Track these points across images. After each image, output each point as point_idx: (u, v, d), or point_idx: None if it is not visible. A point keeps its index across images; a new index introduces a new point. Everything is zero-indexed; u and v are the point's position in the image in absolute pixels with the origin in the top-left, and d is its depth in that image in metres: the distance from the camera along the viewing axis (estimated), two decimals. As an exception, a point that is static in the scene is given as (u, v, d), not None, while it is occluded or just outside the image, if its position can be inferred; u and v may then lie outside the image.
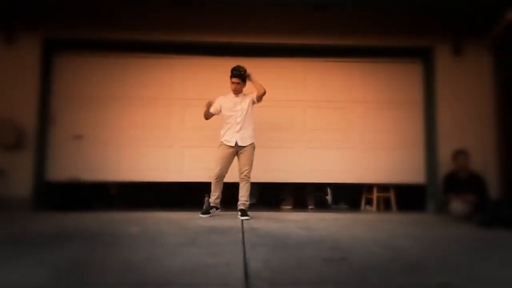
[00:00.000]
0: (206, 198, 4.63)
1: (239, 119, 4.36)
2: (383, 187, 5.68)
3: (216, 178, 4.34)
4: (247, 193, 4.36)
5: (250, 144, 4.39)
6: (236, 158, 4.42)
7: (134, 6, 5.25)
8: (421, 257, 2.43)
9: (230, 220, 4.03)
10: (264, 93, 4.33)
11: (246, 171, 4.34)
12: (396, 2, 4.98)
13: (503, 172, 5.23)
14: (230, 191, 4.55)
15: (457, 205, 4.46)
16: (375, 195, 5.66)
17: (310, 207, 5.88)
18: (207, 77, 5.52)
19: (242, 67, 4.37)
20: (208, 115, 4.48)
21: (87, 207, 5.48)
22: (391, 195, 5.66)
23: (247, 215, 4.20)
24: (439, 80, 5.48)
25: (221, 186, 4.39)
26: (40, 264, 2.11)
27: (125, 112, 5.52)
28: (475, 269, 2.14)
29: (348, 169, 5.55)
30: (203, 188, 4.90)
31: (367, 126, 5.63)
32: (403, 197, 5.67)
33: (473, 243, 3.01)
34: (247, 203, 4.36)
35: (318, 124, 5.60)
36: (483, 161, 5.19)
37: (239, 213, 4.25)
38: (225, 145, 4.35)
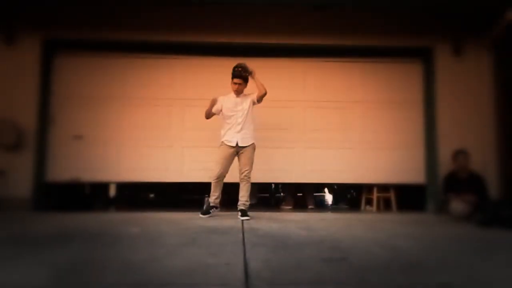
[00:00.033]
0: (206, 198, 4.63)
1: (240, 120, 4.35)
2: (383, 187, 5.68)
3: (217, 178, 4.33)
4: (248, 193, 4.36)
5: (250, 145, 4.38)
6: (236, 158, 4.42)
7: (134, 6, 5.25)
8: (421, 257, 2.43)
9: (230, 220, 4.03)
10: (265, 94, 4.33)
11: (247, 171, 4.34)
12: (396, 2, 4.98)
13: (503, 172, 5.23)
14: (230, 191, 4.55)
15: (457, 205, 4.46)
16: (375, 195, 5.66)
17: (310, 206, 5.89)
18: (207, 77, 5.52)
19: (245, 64, 4.33)
20: (209, 114, 4.46)
21: (87, 207, 5.49)
22: (391, 195, 5.66)
23: (247, 215, 4.19)
24: (439, 80, 5.48)
25: (221, 186, 4.38)
26: (40, 264, 2.11)
27: (125, 112, 5.52)
28: (475, 269, 2.14)
29: (348, 169, 5.55)
30: (203, 188, 4.91)
31: (367, 126, 5.63)
32: (403, 197, 5.68)
33: (473, 243, 3.01)
34: (247, 203, 4.35)
35: (318, 124, 5.60)
36: (483, 161, 5.19)
37: (239, 213, 4.25)
38: (226, 145, 4.34)
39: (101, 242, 2.86)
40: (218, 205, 4.42)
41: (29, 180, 5.12)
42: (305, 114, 5.64)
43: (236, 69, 4.34)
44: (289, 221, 4.11)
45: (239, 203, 4.35)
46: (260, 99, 4.37)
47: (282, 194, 6.07)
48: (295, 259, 2.28)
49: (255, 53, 5.46)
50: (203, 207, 4.47)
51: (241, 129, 4.34)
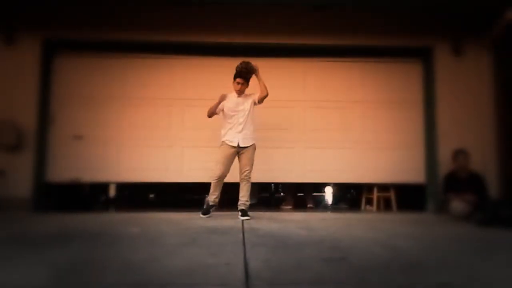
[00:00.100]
0: (206, 198, 4.63)
1: (241, 120, 4.34)
2: (383, 187, 5.68)
3: (218, 178, 4.32)
4: (248, 193, 4.36)
5: (251, 145, 4.38)
6: (236, 158, 4.42)
7: (134, 6, 5.25)
8: (421, 257, 2.43)
9: (231, 220, 4.03)
10: (267, 95, 4.32)
11: (247, 171, 4.34)
12: (396, 2, 4.98)
13: (503, 171, 5.23)
14: (230, 191, 4.55)
15: (457, 205, 4.46)
16: (375, 194, 5.67)
17: (309, 206, 5.89)
18: (207, 77, 5.52)
19: (249, 64, 4.30)
20: (215, 111, 4.41)
21: (87, 207, 5.49)
22: (391, 194, 5.66)
23: (247, 215, 4.19)
24: (439, 79, 5.48)
25: (221, 186, 4.38)
26: (40, 264, 2.11)
27: (125, 112, 5.52)
28: (475, 269, 2.14)
29: (348, 169, 5.55)
30: (203, 188, 4.91)
31: (367, 126, 5.63)
32: (403, 197, 5.68)
33: (473, 243, 3.01)
34: (248, 203, 4.35)
35: (318, 124, 5.61)
36: (483, 160, 5.19)
37: (240, 213, 4.25)
38: (227, 145, 4.32)
39: (101, 242, 2.86)
40: (216, 205, 4.42)
41: (29, 180, 5.12)
42: (305, 114, 5.64)
43: (240, 69, 4.31)
44: (289, 221, 4.11)
45: (239, 203, 4.34)
46: (261, 101, 4.37)
47: (282, 194, 6.07)
48: (295, 259, 2.28)
49: (255, 53, 5.44)
50: (203, 207, 4.46)
51: (242, 129, 4.33)
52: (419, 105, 5.66)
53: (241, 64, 4.34)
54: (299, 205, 5.92)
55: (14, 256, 2.32)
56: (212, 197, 4.36)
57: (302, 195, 6.10)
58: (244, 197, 4.34)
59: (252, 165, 4.37)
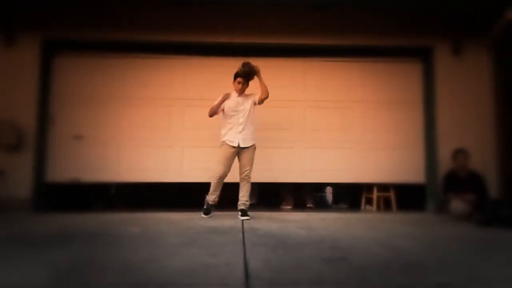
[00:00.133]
0: (206, 198, 4.62)
1: (241, 120, 4.33)
2: (383, 187, 5.68)
3: (219, 178, 4.31)
4: (248, 193, 4.36)
5: (251, 145, 4.38)
6: (236, 158, 4.41)
7: (134, 6, 5.25)
8: (421, 257, 2.43)
9: (231, 220, 4.04)
10: (267, 97, 4.32)
11: (247, 171, 4.34)
12: (396, 2, 4.98)
13: (503, 171, 5.23)
14: (229, 191, 4.55)
15: (457, 205, 4.46)
16: (375, 194, 5.67)
17: (308, 205, 5.89)
18: (207, 77, 5.53)
19: (251, 65, 4.28)
20: (217, 110, 4.38)
21: (87, 207, 5.48)
22: (391, 194, 5.66)
23: (247, 215, 4.19)
24: (439, 79, 5.48)
25: (221, 186, 4.38)
26: (40, 264, 2.11)
27: (125, 112, 5.52)
28: (475, 269, 2.14)
29: (348, 169, 5.55)
30: (203, 188, 4.89)
31: (367, 125, 5.63)
32: (403, 197, 5.68)
33: (473, 243, 3.01)
34: (248, 203, 4.35)
35: (318, 124, 5.61)
36: (483, 160, 5.19)
37: (240, 213, 4.25)
38: (227, 145, 4.32)
39: (101, 242, 2.86)
40: (216, 204, 4.42)
41: (29, 180, 5.12)
42: (305, 114, 5.64)
43: (242, 70, 4.28)
44: (289, 221, 4.11)
45: (239, 203, 4.34)
46: (261, 102, 4.37)
47: (282, 194, 6.07)
48: (295, 259, 2.28)
49: (255, 53, 5.44)
50: (203, 207, 4.46)
51: (243, 129, 4.32)
52: (419, 105, 5.66)
53: (243, 65, 4.32)
54: (299, 205, 5.92)
55: (14, 256, 2.33)
56: (212, 196, 4.36)
57: (302, 195, 6.10)
58: (244, 197, 4.34)
59: (252, 165, 4.37)
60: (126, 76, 5.55)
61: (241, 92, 4.39)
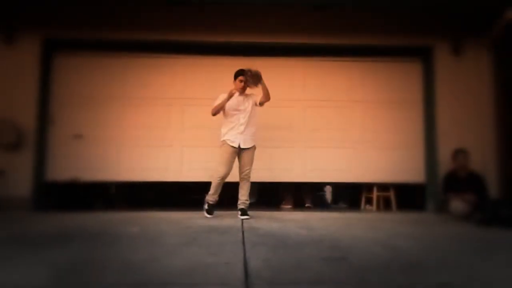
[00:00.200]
0: (206, 198, 4.61)
1: (242, 120, 4.31)
2: (383, 186, 5.68)
3: (221, 179, 4.29)
4: (247, 193, 4.36)
5: (252, 146, 4.37)
6: (236, 157, 4.40)
7: (134, 6, 5.25)
8: (421, 257, 2.43)
9: (230, 220, 4.04)
10: (268, 100, 4.31)
11: (247, 171, 4.34)
12: (396, 2, 4.98)
13: (503, 171, 5.23)
14: (229, 191, 4.55)
15: (457, 205, 4.46)
16: (375, 194, 5.67)
17: (307, 205, 5.89)
18: (206, 77, 5.53)
19: (257, 72, 4.20)
20: (220, 110, 4.34)
21: (87, 207, 5.48)
22: (391, 194, 5.66)
23: (247, 215, 4.20)
24: (439, 79, 5.48)
25: (222, 186, 4.36)
26: (40, 264, 2.11)
27: (125, 112, 5.52)
28: (475, 269, 2.14)
29: (348, 169, 5.55)
30: (203, 187, 4.89)
31: (367, 125, 5.64)
32: (403, 197, 5.68)
33: (473, 243, 3.01)
34: (247, 202, 4.35)
35: (318, 123, 5.61)
36: (483, 160, 5.19)
37: (239, 213, 4.25)
38: (228, 145, 4.30)
39: (101, 242, 2.86)
40: (216, 204, 4.42)
41: (29, 180, 5.12)
42: (305, 113, 5.64)
43: (249, 76, 4.20)
44: (289, 221, 4.11)
45: (239, 202, 4.34)
46: (262, 104, 4.36)
47: (282, 193, 6.07)
48: (295, 259, 2.28)
49: (255, 52, 5.47)
50: (203, 207, 4.45)
51: (244, 130, 4.30)
52: (419, 105, 5.66)
53: (250, 71, 4.21)
54: (299, 205, 5.92)
55: (14, 256, 2.32)
56: (213, 197, 4.35)
57: (302, 195, 6.10)
58: (244, 196, 4.34)
59: (252, 164, 4.37)
60: (126, 76, 5.55)
61: (242, 91, 4.37)
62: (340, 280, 1.88)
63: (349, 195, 6.52)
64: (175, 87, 5.59)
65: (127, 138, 5.48)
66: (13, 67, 5.24)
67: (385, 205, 5.73)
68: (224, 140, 4.33)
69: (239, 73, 4.32)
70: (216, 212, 4.42)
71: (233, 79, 4.39)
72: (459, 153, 4.91)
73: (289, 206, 5.87)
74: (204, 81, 5.52)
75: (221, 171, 4.26)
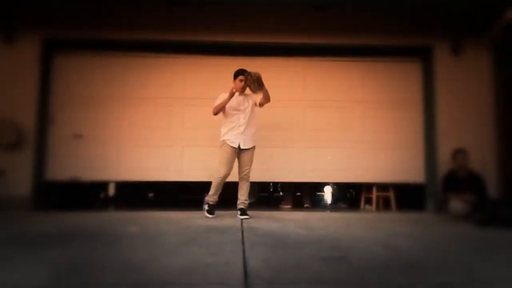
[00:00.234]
0: (206, 198, 4.61)
1: (242, 121, 4.30)
2: (383, 186, 5.68)
3: (222, 179, 4.27)
4: (247, 192, 4.36)
5: (252, 147, 4.37)
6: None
7: (134, 6, 5.25)
8: (421, 257, 2.44)
9: (230, 220, 4.04)
10: (268, 102, 4.30)
11: (247, 171, 4.33)
12: (396, 2, 4.98)
13: (503, 171, 5.24)
14: (228, 190, 4.55)
15: (457, 205, 4.46)
16: (374, 194, 5.67)
17: (305, 205, 5.89)
18: (206, 77, 5.53)
19: (258, 77, 4.16)
20: (221, 109, 4.31)
21: (86, 206, 5.49)
22: (391, 194, 5.66)
23: (246, 214, 4.20)
24: (439, 79, 5.48)
25: (222, 186, 4.36)
26: (40, 264, 2.11)
27: (125, 112, 5.52)
28: (475, 269, 2.14)
29: (347, 169, 5.55)
30: (203, 187, 4.89)
31: (367, 125, 5.64)
32: (403, 196, 5.68)
33: (473, 243, 3.01)
34: (247, 202, 4.35)
35: (318, 123, 5.61)
36: (482, 160, 5.19)
37: (239, 212, 4.25)
38: (229, 145, 4.28)
39: (101, 242, 2.86)
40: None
41: (28, 180, 5.12)
42: (305, 113, 5.64)
43: (252, 81, 4.14)
44: (288, 220, 4.11)
45: (238, 202, 4.34)
46: (262, 105, 4.35)
47: (281, 193, 6.08)
48: (294, 258, 2.29)
49: (255, 52, 5.47)
50: (202, 206, 4.45)
51: (244, 130, 4.29)
52: (419, 104, 5.66)
53: (250, 76, 4.15)
54: (299, 205, 5.93)
55: (14, 256, 2.33)
56: (214, 197, 4.33)
57: (302, 195, 6.10)
58: (243, 196, 4.34)
59: (251, 164, 4.36)
60: (126, 76, 5.55)
61: (242, 90, 4.36)
62: (340, 280, 1.88)
63: (348, 195, 6.53)
64: (175, 87, 5.59)
65: (127, 138, 5.48)
66: (13, 67, 5.24)
67: (384, 205, 5.73)
68: (224, 140, 4.31)
69: (239, 73, 4.31)
70: (216, 212, 4.42)
71: (232, 79, 4.37)
72: (458, 153, 4.91)
73: (289, 206, 5.87)
74: (204, 81, 5.52)
75: (221, 171, 4.25)
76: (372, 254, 2.46)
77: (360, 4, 5.07)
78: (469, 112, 5.40)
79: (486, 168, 5.15)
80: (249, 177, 4.35)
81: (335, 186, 7.18)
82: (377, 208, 5.65)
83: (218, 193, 4.34)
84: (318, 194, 6.68)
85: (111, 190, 6.24)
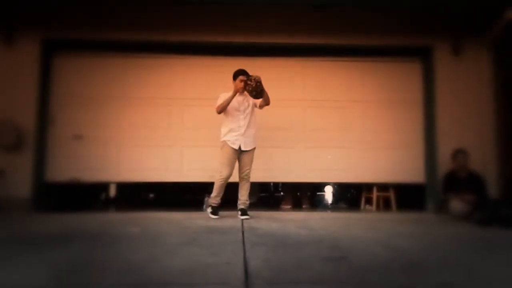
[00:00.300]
0: (207, 198, 4.61)
1: (242, 122, 4.28)
2: (383, 187, 5.69)
3: (225, 180, 4.25)
4: (247, 193, 4.35)
5: (253, 148, 4.37)
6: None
7: (134, 6, 5.25)
8: (422, 256, 2.43)
9: (230, 220, 4.04)
10: (268, 104, 4.30)
11: (247, 171, 4.33)
12: (396, 2, 4.98)
13: (503, 171, 5.23)
14: (229, 191, 4.54)
15: (457, 204, 4.46)
16: (375, 194, 5.67)
17: (304, 206, 5.89)
18: (206, 77, 5.53)
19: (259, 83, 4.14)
20: (225, 107, 4.24)
21: (87, 207, 5.49)
22: (391, 194, 5.66)
23: (247, 215, 4.19)
24: (439, 79, 5.48)
25: (225, 187, 4.34)
26: (40, 265, 2.11)
27: (125, 112, 5.52)
28: (476, 268, 2.14)
29: (347, 169, 5.55)
30: (203, 187, 4.89)
31: (367, 125, 5.64)
32: (403, 196, 5.68)
33: (473, 242, 3.01)
34: (247, 202, 4.35)
35: (318, 123, 5.61)
36: (483, 160, 5.19)
37: (239, 213, 4.25)
38: (229, 146, 4.26)
39: (101, 242, 2.85)
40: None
41: (29, 180, 5.12)
42: (305, 113, 5.64)
43: (254, 87, 4.10)
44: (288, 221, 4.11)
45: (239, 202, 4.34)
46: (262, 107, 4.35)
47: (281, 193, 6.08)
48: (295, 258, 2.28)
49: (254, 52, 5.48)
50: (203, 207, 4.45)
51: (245, 131, 4.28)
52: (419, 104, 5.66)
53: (250, 81, 4.11)
54: (299, 205, 5.92)
55: (14, 256, 2.32)
56: (217, 199, 4.31)
57: (302, 195, 6.10)
58: (243, 196, 4.33)
59: (251, 164, 4.36)
60: (126, 76, 5.55)
61: (242, 90, 4.33)
62: (340, 280, 1.88)
63: (349, 195, 6.53)
64: (175, 87, 5.59)
65: (127, 138, 5.48)
66: (13, 67, 5.24)
67: (385, 205, 5.73)
68: (224, 141, 4.30)
69: (239, 73, 4.30)
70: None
71: (232, 79, 4.35)
72: (459, 153, 4.91)
73: (289, 206, 5.87)
74: (204, 82, 5.52)
75: (223, 172, 4.23)
76: (372, 254, 2.46)
77: (360, 4, 5.06)
78: (469, 112, 5.40)
79: (486, 168, 5.14)
80: (249, 177, 4.35)
81: (335, 186, 7.18)
82: (378, 208, 5.65)
83: (221, 194, 4.32)
84: (318, 194, 6.68)
85: (111, 191, 6.23)
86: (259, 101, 4.30)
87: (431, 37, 5.49)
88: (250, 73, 4.24)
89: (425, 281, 1.86)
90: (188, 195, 5.82)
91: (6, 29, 5.22)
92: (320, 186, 6.70)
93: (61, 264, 2.12)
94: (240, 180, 4.37)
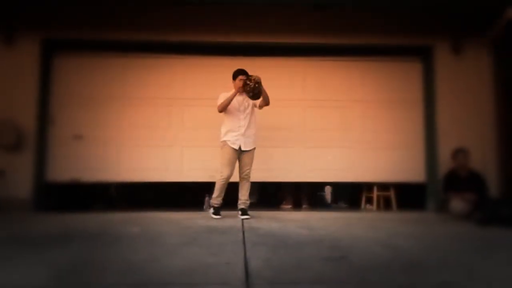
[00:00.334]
0: (207, 198, 4.60)
1: (242, 122, 4.28)
2: (383, 186, 5.68)
3: (226, 180, 4.25)
4: (248, 193, 4.35)
5: (253, 148, 4.36)
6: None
7: (134, 6, 5.24)
8: (422, 256, 2.43)
9: (231, 220, 4.03)
10: (268, 104, 4.30)
11: (247, 171, 4.33)
12: (396, 2, 4.98)
13: (503, 170, 5.23)
14: (230, 191, 4.54)
15: (457, 204, 4.46)
16: (375, 194, 5.66)
17: (304, 205, 5.88)
18: (206, 77, 5.52)
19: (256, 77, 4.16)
20: (227, 106, 4.23)
21: (87, 207, 5.48)
22: (391, 193, 5.66)
23: (247, 214, 4.19)
24: (439, 78, 5.48)
25: (226, 187, 4.33)
26: (40, 264, 2.11)
27: (125, 112, 5.52)
28: (476, 268, 2.14)
29: (348, 168, 5.55)
30: (203, 187, 4.88)
31: (367, 125, 5.63)
32: (403, 196, 5.68)
33: (473, 242, 3.01)
34: (248, 202, 4.35)
35: (318, 123, 5.60)
36: (483, 159, 5.19)
37: (240, 212, 4.25)
38: (230, 146, 4.26)
39: (101, 242, 2.86)
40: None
41: (29, 181, 5.12)
42: (305, 113, 5.64)
43: (253, 88, 4.10)
44: (289, 220, 4.11)
45: (239, 202, 4.34)
46: (261, 107, 4.34)
47: (282, 193, 6.07)
48: (295, 258, 2.28)
49: (254, 52, 5.47)
50: (203, 207, 4.44)
51: (245, 131, 4.27)
52: (419, 104, 5.66)
53: (250, 81, 4.12)
54: (299, 205, 5.92)
55: (14, 256, 2.32)
56: (218, 199, 4.30)
57: (302, 195, 6.09)
58: (244, 196, 4.33)
59: (252, 164, 4.35)
60: (126, 76, 5.55)
61: (242, 90, 4.32)
62: (340, 280, 1.88)
63: (349, 195, 6.52)
64: (175, 87, 5.59)
65: (127, 138, 5.48)
66: (13, 67, 5.23)
67: (385, 204, 5.72)
68: (224, 141, 4.29)
69: (238, 73, 4.30)
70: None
71: (232, 79, 4.34)
72: (459, 153, 4.91)
73: (289, 206, 5.86)
74: (204, 82, 5.51)
75: (224, 172, 4.23)
76: (373, 254, 2.46)
77: (360, 4, 5.06)
78: (469, 111, 5.40)
79: (486, 167, 5.14)
80: (249, 177, 4.35)
81: (335, 186, 7.17)
82: (378, 207, 5.64)
83: (222, 195, 4.31)
84: (318, 194, 6.67)
85: (111, 191, 6.23)
86: (258, 101, 4.30)
87: (431, 36, 5.49)
88: (250, 73, 4.25)
89: (425, 281, 1.86)
90: (188, 195, 5.81)
91: (6, 29, 5.22)
92: (320, 186, 6.69)
93: (61, 264, 2.12)
94: (240, 180, 4.37)
